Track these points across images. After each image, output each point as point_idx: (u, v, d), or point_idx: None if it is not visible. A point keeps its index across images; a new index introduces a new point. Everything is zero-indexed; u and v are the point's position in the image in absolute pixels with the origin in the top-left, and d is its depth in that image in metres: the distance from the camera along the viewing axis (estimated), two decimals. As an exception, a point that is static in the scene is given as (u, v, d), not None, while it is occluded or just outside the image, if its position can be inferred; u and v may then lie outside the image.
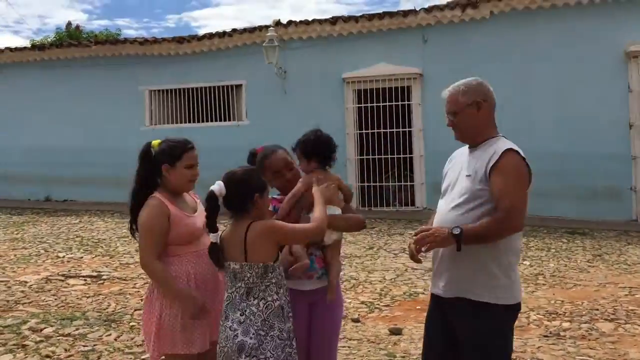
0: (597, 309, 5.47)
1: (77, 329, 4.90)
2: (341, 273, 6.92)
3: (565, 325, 5.06)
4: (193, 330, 2.86)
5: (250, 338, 2.47)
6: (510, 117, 10.56)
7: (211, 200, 2.57)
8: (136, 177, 3.02)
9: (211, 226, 2.59)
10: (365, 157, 11.86)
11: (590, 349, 4.49)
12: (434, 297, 2.76)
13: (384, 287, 6.37)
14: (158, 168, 2.95)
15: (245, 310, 2.51)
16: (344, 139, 11.73)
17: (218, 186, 2.57)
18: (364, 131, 11.83)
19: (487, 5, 10.79)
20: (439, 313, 2.72)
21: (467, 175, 2.66)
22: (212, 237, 2.59)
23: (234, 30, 12.35)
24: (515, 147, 2.64)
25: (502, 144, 2.65)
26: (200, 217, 2.92)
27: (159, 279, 2.89)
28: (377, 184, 11.80)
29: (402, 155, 11.55)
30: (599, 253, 7.78)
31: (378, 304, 5.81)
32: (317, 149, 2.95)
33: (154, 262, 2.86)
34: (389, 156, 11.65)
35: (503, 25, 10.82)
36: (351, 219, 3.00)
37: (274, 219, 2.75)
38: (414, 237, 2.57)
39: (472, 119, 2.71)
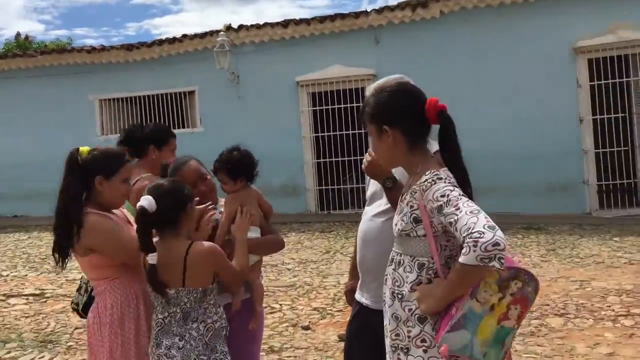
0: (548, 304, 5.45)
1: (8, 352, 4.65)
2: (294, 279, 6.84)
3: (516, 322, 5.01)
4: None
5: None
6: (463, 116, 10.64)
7: (144, 217, 2.35)
8: (64, 189, 2.63)
9: (146, 246, 2.36)
10: (322, 160, 11.76)
11: (538, 345, 4.45)
12: (360, 305, 2.65)
13: (337, 292, 6.26)
14: (88, 179, 2.64)
15: (185, 335, 2.36)
16: (300, 143, 11.66)
17: (147, 201, 2.36)
18: (320, 134, 11.75)
19: (437, 5, 10.82)
20: (363, 320, 2.60)
21: None
22: (150, 259, 2.36)
23: (184, 35, 12.13)
24: None
25: None
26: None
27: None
28: (335, 186, 11.72)
29: (359, 157, 11.48)
30: (552, 247, 7.81)
31: (330, 310, 5.70)
32: (244, 168, 2.81)
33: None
34: (346, 158, 11.59)
35: (453, 24, 10.86)
36: (271, 242, 2.87)
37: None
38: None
39: None
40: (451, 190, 1.83)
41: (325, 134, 11.67)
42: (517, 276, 1.81)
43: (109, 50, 12.55)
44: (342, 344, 4.67)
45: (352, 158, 11.49)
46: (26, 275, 7.55)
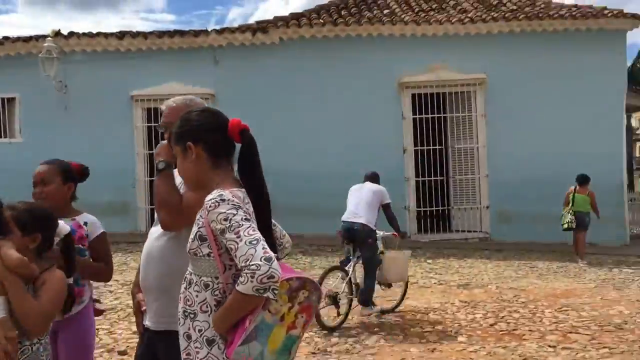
0: (365, 323, 5.77)
1: None
2: (116, 302, 6.51)
3: (334, 340, 5.23)
4: None
5: None
6: (298, 140, 11.01)
7: None
8: None
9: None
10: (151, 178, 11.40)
11: (351, 362, 4.69)
12: (146, 330, 2.46)
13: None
14: None
15: None
16: (134, 159, 11.24)
17: None
18: (154, 151, 11.39)
19: (276, 31, 11.13)
20: (149, 349, 2.43)
21: None
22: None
23: (6, 38, 11.18)
24: None
25: None
26: None
27: None
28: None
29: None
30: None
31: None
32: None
33: None
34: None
35: (293, 50, 11.22)
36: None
37: None
38: None
39: None
40: (234, 215, 1.86)
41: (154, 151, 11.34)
42: (305, 286, 1.92)
43: None
44: None
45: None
46: None
